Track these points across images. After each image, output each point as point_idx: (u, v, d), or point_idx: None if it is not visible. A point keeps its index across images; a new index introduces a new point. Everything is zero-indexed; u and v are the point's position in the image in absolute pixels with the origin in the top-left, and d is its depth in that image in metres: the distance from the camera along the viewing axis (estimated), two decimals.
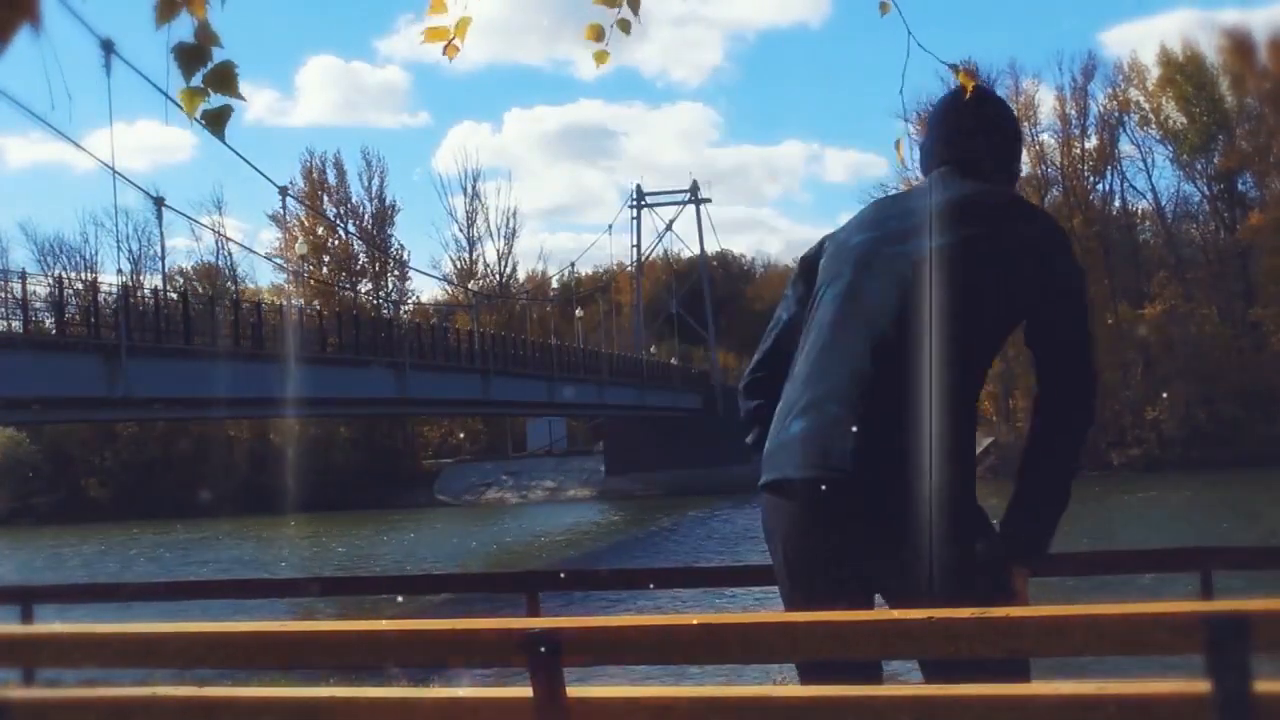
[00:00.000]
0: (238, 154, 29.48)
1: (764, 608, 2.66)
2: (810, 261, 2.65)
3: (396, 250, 66.12)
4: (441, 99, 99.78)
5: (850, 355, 2.41)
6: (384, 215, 65.07)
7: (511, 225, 70.13)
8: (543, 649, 1.82)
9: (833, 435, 2.35)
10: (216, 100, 2.20)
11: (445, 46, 2.68)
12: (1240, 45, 52.51)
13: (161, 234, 56.20)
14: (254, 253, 77.83)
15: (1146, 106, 55.23)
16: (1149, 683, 1.74)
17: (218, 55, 2.17)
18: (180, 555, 36.87)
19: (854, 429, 2.33)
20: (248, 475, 58.77)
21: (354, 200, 64.56)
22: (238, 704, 2.08)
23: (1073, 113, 55.61)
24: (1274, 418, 46.23)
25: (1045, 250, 2.44)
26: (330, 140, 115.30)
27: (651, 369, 58.43)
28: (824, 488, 2.32)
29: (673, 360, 62.95)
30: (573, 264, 70.24)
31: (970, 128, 2.64)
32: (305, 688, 2.16)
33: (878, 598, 2.40)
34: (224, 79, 2.18)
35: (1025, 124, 55.25)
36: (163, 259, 58.34)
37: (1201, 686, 1.62)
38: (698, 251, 65.81)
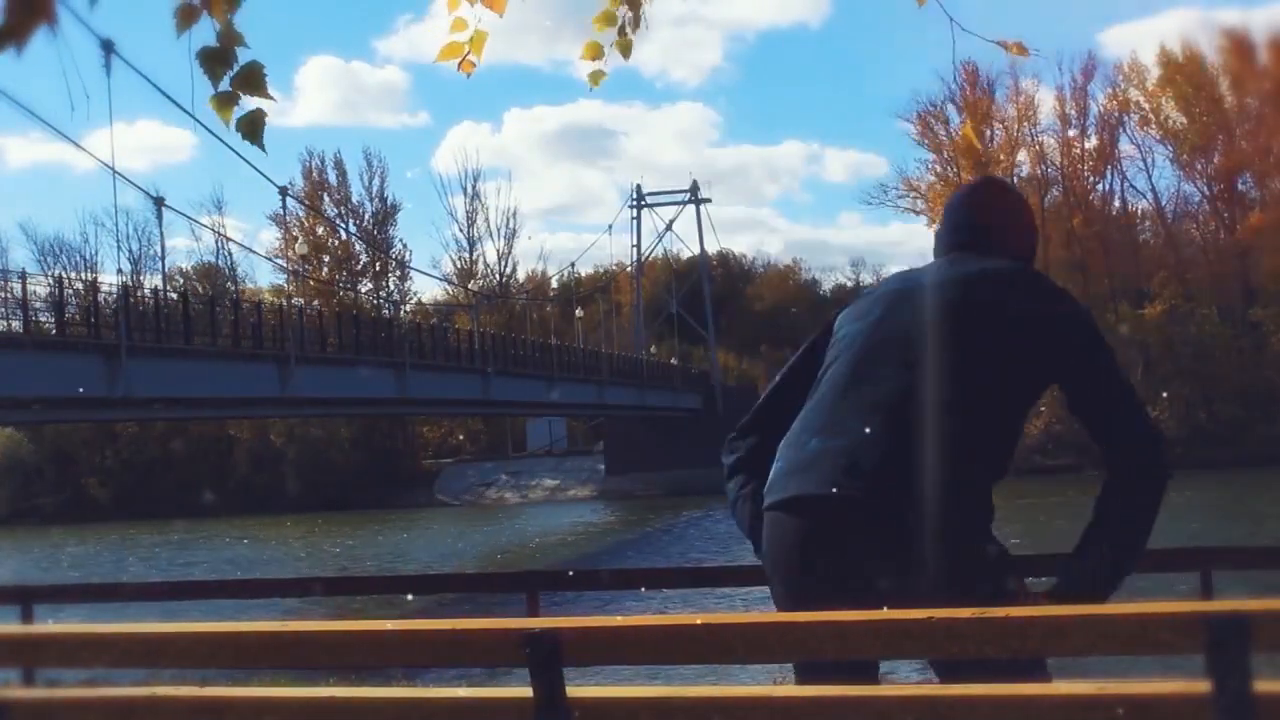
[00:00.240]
0: (238, 154, 29.48)
1: (763, 607, 2.64)
2: (824, 330, 2.65)
3: (398, 250, 66.26)
4: (441, 99, 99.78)
5: (874, 385, 2.41)
6: (385, 215, 65.15)
7: (511, 225, 70.22)
8: (543, 649, 1.83)
9: (855, 454, 2.33)
10: (247, 104, 2.13)
11: (460, 62, 2.66)
12: (1240, 45, 52.55)
13: (161, 234, 56.17)
14: (254, 253, 77.83)
15: (1146, 106, 55.25)
16: (1149, 683, 1.74)
17: (242, 56, 2.10)
18: (180, 555, 36.84)
19: (877, 449, 2.31)
20: (248, 475, 58.82)
21: (354, 200, 64.69)
22: (238, 704, 2.08)
23: (1073, 113, 55.68)
24: (1274, 418, 46.25)
25: (1062, 320, 2.44)
26: (330, 140, 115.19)
27: (651, 369, 58.44)
28: (844, 503, 2.28)
29: (673, 360, 62.94)
30: (573, 264, 70.33)
31: (985, 216, 2.66)
32: (306, 688, 2.16)
33: None
34: (252, 80, 2.11)
35: (1025, 124, 55.39)
36: (163, 259, 58.36)
37: (1202, 686, 1.62)
38: (698, 251, 65.85)
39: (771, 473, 2.46)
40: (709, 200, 64.97)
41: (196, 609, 8.32)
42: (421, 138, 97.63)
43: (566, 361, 49.96)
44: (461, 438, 64.01)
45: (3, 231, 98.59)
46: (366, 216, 64.67)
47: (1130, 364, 51.77)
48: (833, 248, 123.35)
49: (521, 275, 71.72)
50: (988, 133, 55.20)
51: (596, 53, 2.91)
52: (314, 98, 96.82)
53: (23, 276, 26.50)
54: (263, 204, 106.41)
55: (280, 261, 56.88)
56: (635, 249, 63.94)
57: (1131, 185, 57.06)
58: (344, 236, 62.89)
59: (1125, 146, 55.96)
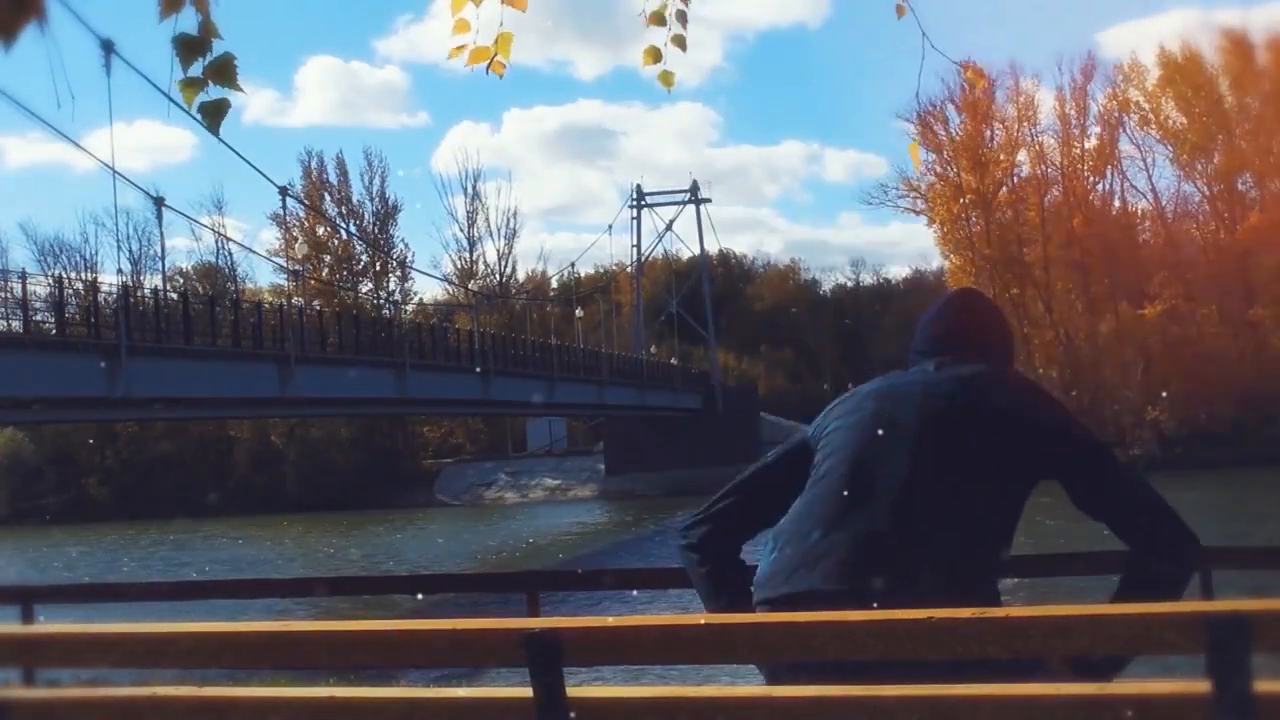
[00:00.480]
0: (238, 154, 29.53)
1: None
2: (799, 444, 2.59)
3: (400, 250, 66.27)
4: (441, 99, 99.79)
5: (876, 481, 2.35)
6: (385, 215, 65.16)
7: (511, 225, 70.29)
8: (543, 649, 1.82)
9: (863, 549, 2.27)
10: (215, 92, 2.21)
11: (489, 64, 2.68)
12: (1240, 45, 52.53)
13: (161, 234, 56.12)
14: (254, 253, 77.97)
15: (1146, 106, 55.21)
16: (1149, 683, 1.74)
17: (218, 48, 2.18)
18: (178, 555, 36.87)
19: (885, 543, 2.27)
20: (247, 475, 58.83)
21: (355, 200, 64.70)
22: (239, 704, 2.08)
23: (1073, 113, 55.61)
24: (1274, 418, 46.22)
25: (1054, 420, 2.44)
26: (330, 140, 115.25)
27: (651, 369, 58.41)
28: (857, 600, 2.15)
29: (673, 360, 62.92)
30: (573, 264, 70.33)
31: (963, 325, 2.64)
32: (307, 688, 2.16)
33: None
34: (223, 71, 2.19)
35: (1025, 124, 55.33)
36: (163, 259, 58.37)
37: (1202, 686, 1.62)
38: (698, 251, 65.84)
39: (769, 564, 2.39)
40: (709, 200, 65.03)
41: (197, 609, 8.32)
42: (421, 138, 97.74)
43: (566, 361, 49.95)
44: (461, 438, 64.04)
45: (3, 231, 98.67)
46: (367, 216, 64.75)
47: (1130, 364, 51.86)
48: (833, 248, 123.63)
49: (521, 275, 71.86)
50: (988, 132, 55.21)
51: (656, 56, 2.94)
52: (314, 98, 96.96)
53: (23, 276, 26.50)
54: (263, 204, 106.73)
55: (280, 261, 56.95)
56: (635, 249, 63.97)
57: (1131, 185, 57.10)
58: (344, 236, 62.97)
59: (1125, 146, 55.98)
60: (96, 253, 64.37)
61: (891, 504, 2.31)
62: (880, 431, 2.41)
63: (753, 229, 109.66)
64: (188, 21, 2.15)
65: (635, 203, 63.65)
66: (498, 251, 70.00)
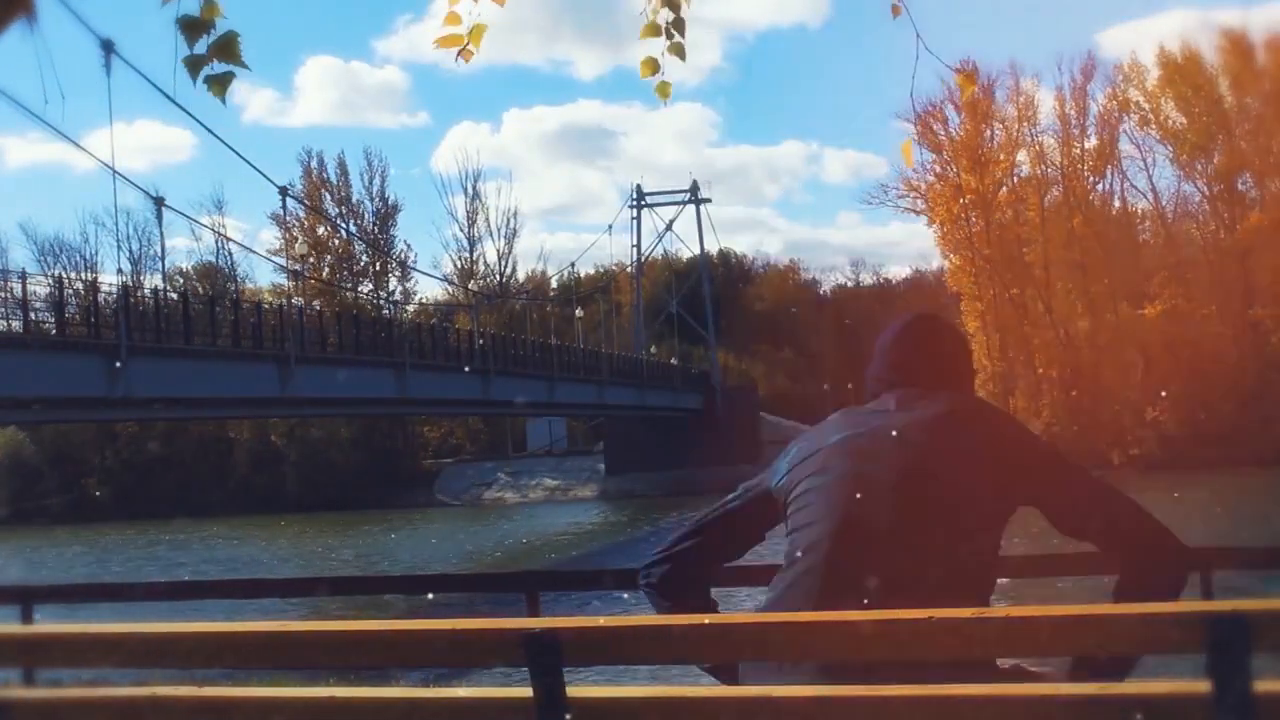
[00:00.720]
0: (238, 154, 29.60)
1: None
2: (761, 491, 2.52)
3: (400, 250, 66.28)
4: (441, 99, 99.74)
5: (864, 547, 2.28)
6: (385, 215, 65.14)
7: (511, 225, 70.30)
8: (543, 649, 1.82)
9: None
10: (219, 68, 2.27)
11: (459, 52, 2.69)
12: (1240, 45, 52.51)
13: (161, 234, 56.17)
14: (254, 253, 77.92)
15: (1146, 106, 55.18)
16: (1149, 683, 1.74)
17: (221, 28, 2.25)
18: (176, 555, 36.85)
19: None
20: (248, 475, 58.83)
21: (355, 200, 64.69)
22: (239, 704, 2.08)
23: (1073, 113, 55.58)
24: (1274, 418, 46.19)
25: (1025, 447, 2.40)
26: (330, 140, 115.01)
27: (651, 369, 58.40)
28: None
29: (673, 360, 62.92)
30: (573, 264, 70.35)
31: (921, 353, 2.57)
32: (306, 688, 2.16)
33: None
34: (227, 48, 2.25)
35: (1025, 124, 55.33)
36: (163, 259, 58.47)
37: (1202, 686, 1.62)
38: (698, 251, 65.85)
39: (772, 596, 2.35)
40: (709, 200, 65.07)
41: (198, 609, 8.32)
42: (421, 138, 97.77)
43: (566, 361, 49.95)
44: (461, 438, 64.03)
45: (3, 231, 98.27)
46: (367, 216, 64.75)
47: (1130, 364, 51.82)
48: (832, 248, 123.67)
49: (521, 275, 71.86)
50: (987, 133, 55.19)
51: (654, 67, 2.94)
52: (314, 98, 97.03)
53: (23, 276, 26.51)
54: (263, 204, 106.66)
55: (280, 261, 56.94)
56: (635, 249, 63.99)
57: (1131, 185, 57.06)
58: (344, 236, 62.96)
59: (1125, 146, 55.94)
60: (96, 253, 64.51)
61: (883, 571, 2.21)
62: (859, 495, 2.32)
63: (753, 229, 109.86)
64: (190, 7, 2.21)
65: (635, 203, 63.69)
66: (498, 251, 70.11)
